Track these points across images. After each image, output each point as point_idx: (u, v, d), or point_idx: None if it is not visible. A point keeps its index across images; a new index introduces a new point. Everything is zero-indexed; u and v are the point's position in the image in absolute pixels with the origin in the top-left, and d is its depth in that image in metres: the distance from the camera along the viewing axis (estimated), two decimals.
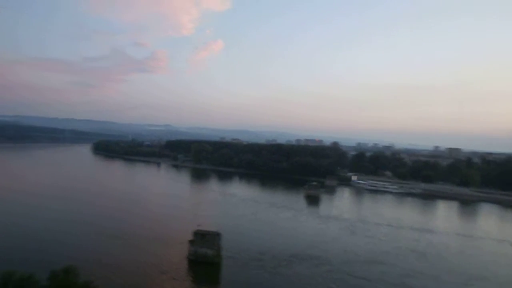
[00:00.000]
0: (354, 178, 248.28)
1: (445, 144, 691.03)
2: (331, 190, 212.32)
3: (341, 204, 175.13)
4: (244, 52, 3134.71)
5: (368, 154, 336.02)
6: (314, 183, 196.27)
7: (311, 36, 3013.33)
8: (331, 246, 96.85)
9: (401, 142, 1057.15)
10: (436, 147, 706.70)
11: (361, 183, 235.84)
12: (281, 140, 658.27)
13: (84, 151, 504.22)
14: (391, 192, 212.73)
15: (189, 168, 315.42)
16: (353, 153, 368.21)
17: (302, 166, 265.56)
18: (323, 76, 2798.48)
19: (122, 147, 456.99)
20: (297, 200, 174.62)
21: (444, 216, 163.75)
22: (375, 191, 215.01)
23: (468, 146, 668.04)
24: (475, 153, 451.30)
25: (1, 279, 47.04)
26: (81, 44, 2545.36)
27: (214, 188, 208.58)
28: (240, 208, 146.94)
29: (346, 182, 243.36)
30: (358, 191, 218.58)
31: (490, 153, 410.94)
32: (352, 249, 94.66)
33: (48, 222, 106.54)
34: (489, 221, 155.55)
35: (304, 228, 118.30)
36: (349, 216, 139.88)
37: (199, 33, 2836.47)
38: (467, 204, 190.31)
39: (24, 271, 48.95)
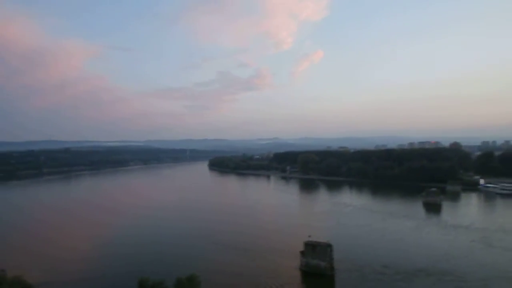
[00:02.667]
0: (481, 181, 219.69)
1: None
2: (453, 197, 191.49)
3: (469, 211, 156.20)
4: (345, 58, 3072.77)
5: (497, 153, 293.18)
6: (433, 189, 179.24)
7: (414, 35, 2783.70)
8: (463, 260, 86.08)
9: None
10: None
11: (490, 187, 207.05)
12: (392, 145, 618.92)
13: (202, 167, 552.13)
14: None
15: (297, 179, 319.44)
16: (478, 153, 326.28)
17: (417, 172, 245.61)
18: (434, 73, 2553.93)
19: (234, 162, 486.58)
20: (415, 208, 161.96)
21: None
22: (509, 196, 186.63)
23: None
24: None
25: (138, 284, 55.47)
26: (192, 71, 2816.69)
27: (323, 198, 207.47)
28: (353, 218, 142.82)
29: (471, 186, 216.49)
30: (488, 196, 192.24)
31: None
32: (491, 264, 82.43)
33: (173, 235, 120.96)
34: None
35: (427, 239, 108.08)
36: (480, 226, 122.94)
37: (299, 46, 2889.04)
38: None
39: (156, 278, 56.44)
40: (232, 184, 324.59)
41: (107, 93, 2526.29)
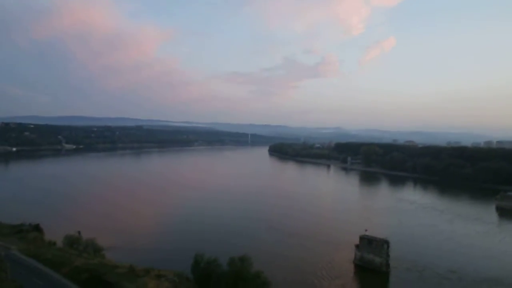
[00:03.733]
0: None
1: None
2: None
3: None
4: (419, 46, 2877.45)
5: None
6: (510, 193, 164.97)
7: (495, 22, 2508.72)
8: None
9: None
10: None
11: None
12: (466, 142, 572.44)
13: (262, 152, 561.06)
14: None
15: (358, 171, 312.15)
16: None
17: (493, 173, 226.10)
18: None
19: (294, 149, 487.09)
20: (487, 212, 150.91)
21: None
22: None
23: None
24: None
25: (194, 259, 59.52)
26: (259, 56, 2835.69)
27: (384, 193, 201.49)
28: (416, 217, 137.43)
29: None
30: None
31: None
32: None
33: (231, 216, 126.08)
34: None
35: (499, 247, 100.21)
36: None
37: (369, 32, 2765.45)
38: None
39: (211, 255, 59.65)
40: (290, 171, 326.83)
41: (177, 76, 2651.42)
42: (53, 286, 48.47)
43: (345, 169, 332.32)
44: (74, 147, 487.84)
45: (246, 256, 58.18)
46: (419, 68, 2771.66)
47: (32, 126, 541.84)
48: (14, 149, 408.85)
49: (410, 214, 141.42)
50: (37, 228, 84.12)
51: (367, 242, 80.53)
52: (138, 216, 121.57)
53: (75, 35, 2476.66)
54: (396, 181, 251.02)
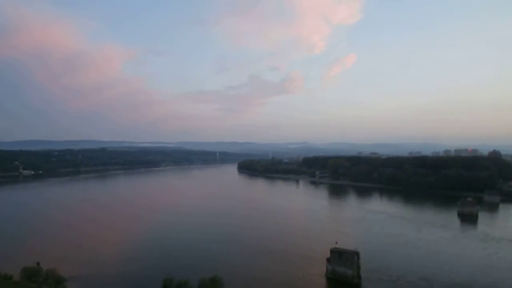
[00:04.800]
0: None
1: None
2: (491, 207, 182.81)
3: (509, 224, 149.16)
4: (379, 63, 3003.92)
5: None
6: (469, 199, 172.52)
7: (449, 40, 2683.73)
8: (507, 275, 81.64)
9: None
10: None
11: None
12: (426, 152, 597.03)
13: (231, 170, 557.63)
14: None
15: (327, 184, 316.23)
16: None
17: (453, 180, 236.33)
18: (472, 77, 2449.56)
19: (263, 165, 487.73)
20: (450, 218, 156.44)
21: None
22: None
23: None
24: None
25: (163, 282, 57.24)
26: (224, 75, 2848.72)
27: (353, 204, 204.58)
28: (384, 226, 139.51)
29: (511, 197, 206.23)
30: None
31: None
32: None
33: (199, 237, 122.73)
34: None
35: (466, 252, 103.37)
36: None
37: (331, 50, 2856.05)
38: None
39: (181, 277, 57.68)
40: (260, 188, 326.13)
41: (142, 95, 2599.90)
42: None
43: (314, 183, 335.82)
44: (33, 172, 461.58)
45: (217, 276, 57.04)
46: (379, 82, 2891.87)
47: None
48: None
49: (378, 224, 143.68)
50: None
51: (338, 255, 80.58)
52: (103, 243, 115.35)
53: (34, 55, 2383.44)
54: (364, 192, 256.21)
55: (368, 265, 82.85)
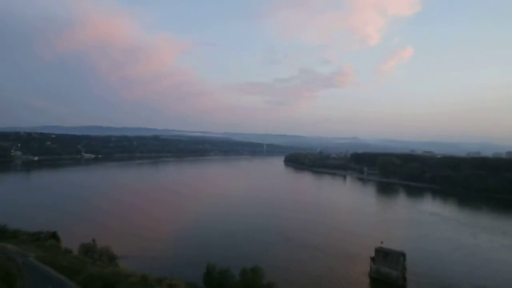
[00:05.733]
0: None
1: None
2: None
3: None
4: (437, 56, 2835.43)
5: None
6: None
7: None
8: None
9: None
10: None
11: None
12: (486, 153, 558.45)
13: (278, 162, 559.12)
14: None
15: (375, 182, 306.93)
16: None
17: None
18: None
19: (310, 159, 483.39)
20: (509, 225, 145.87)
21: None
22: None
23: None
24: None
25: (206, 268, 59.13)
26: (274, 67, 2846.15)
27: (402, 204, 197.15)
28: (436, 229, 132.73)
29: None
30: None
31: None
32: None
33: (245, 228, 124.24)
34: None
35: None
36: None
37: (386, 42, 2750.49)
38: None
39: (223, 265, 59.27)
40: (306, 182, 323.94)
41: (193, 86, 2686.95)
42: None
43: (361, 180, 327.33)
44: (93, 156, 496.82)
45: (258, 267, 57.71)
46: (436, 78, 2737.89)
47: (53, 136, 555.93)
48: (35, 158, 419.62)
49: (430, 227, 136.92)
50: (54, 235, 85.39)
51: (383, 255, 78.57)
52: (153, 224, 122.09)
53: (96, 47, 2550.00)
54: (415, 192, 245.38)
55: (416, 269, 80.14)
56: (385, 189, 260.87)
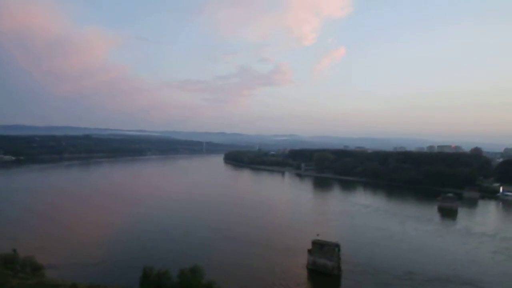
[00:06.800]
0: (501, 189, 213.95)
1: None
2: (470, 203, 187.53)
3: (486, 219, 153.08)
4: (368, 57, 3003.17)
5: None
6: (450, 194, 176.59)
7: (439, 33, 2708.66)
8: (487, 269, 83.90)
9: None
10: None
11: (510, 195, 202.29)
12: (411, 147, 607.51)
13: (217, 160, 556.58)
14: None
15: (312, 177, 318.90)
16: (500, 160, 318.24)
17: (435, 176, 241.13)
18: (457, 73, 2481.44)
19: (249, 156, 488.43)
20: (430, 213, 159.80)
21: None
22: None
23: None
24: None
25: (143, 272, 56.81)
26: (213, 65, 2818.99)
27: (337, 197, 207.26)
28: (367, 220, 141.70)
29: (490, 194, 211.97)
30: (507, 204, 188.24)
31: None
32: None
33: (182, 226, 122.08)
34: None
35: (444, 246, 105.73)
36: (501, 235, 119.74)
37: (321, 42, 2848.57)
38: None
39: (161, 267, 57.34)
40: (245, 179, 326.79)
41: (128, 83, 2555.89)
42: None
43: (299, 176, 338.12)
44: (14, 158, 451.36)
45: (197, 266, 56.27)
46: (367, 76, 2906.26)
47: None
48: None
49: (362, 218, 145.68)
50: None
51: (319, 247, 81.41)
52: (82, 231, 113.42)
53: (15, 38, 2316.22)
54: (348, 185, 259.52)
55: (351, 258, 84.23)
56: (321, 184, 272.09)
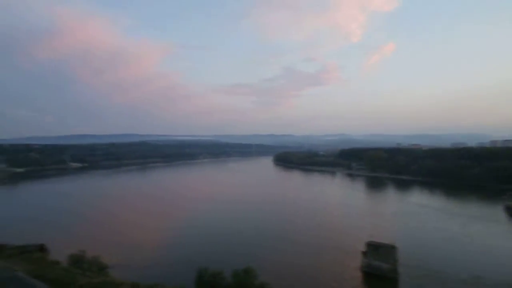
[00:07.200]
0: None
1: None
2: None
3: None
4: (419, 50, 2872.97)
5: None
6: None
7: (496, 22, 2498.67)
8: None
9: None
10: None
11: None
12: (471, 143, 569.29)
13: (267, 162, 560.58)
14: None
15: (363, 177, 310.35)
16: None
17: (499, 173, 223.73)
18: None
19: (299, 157, 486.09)
20: (496, 213, 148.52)
21: None
22: None
23: None
24: None
25: (198, 272, 59.29)
26: (259, 67, 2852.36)
27: (391, 197, 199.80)
28: (425, 220, 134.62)
29: None
30: None
31: None
32: None
33: (235, 227, 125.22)
34: None
35: None
36: None
37: (369, 38, 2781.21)
38: None
39: (215, 268, 59.53)
40: (295, 180, 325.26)
41: (179, 89, 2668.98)
42: None
43: (350, 175, 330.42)
44: (80, 165, 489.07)
45: (250, 267, 57.77)
46: (420, 70, 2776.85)
47: (37, 146, 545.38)
48: (21, 170, 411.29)
49: (419, 218, 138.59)
50: (42, 248, 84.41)
51: (374, 248, 79.37)
52: (143, 231, 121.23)
53: (76, 55, 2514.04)
54: (402, 185, 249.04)
55: (409, 261, 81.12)
56: (374, 183, 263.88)
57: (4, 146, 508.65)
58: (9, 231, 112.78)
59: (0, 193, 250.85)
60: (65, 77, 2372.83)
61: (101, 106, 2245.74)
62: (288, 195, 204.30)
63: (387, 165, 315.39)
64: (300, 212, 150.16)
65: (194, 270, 60.67)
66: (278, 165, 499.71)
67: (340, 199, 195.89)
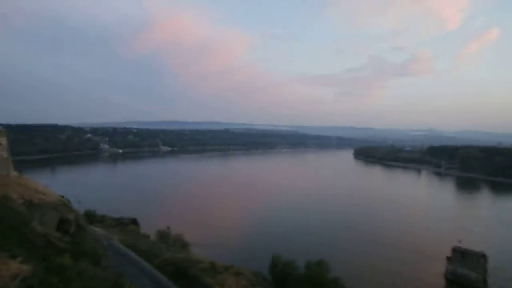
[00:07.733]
0: None
1: None
2: None
3: None
4: None
5: None
6: None
7: None
8: None
9: None
10: None
11: None
12: None
13: (346, 155, 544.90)
14: None
15: (454, 177, 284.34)
16: None
17: None
18: None
19: (381, 152, 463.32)
20: None
21: None
22: None
23: None
24: None
25: (272, 259, 60.90)
26: (342, 57, 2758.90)
27: (485, 201, 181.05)
28: None
29: None
30: None
31: None
32: None
33: (312, 221, 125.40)
34: None
35: None
36: None
37: (468, 24, 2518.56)
38: None
39: (288, 257, 60.72)
40: (377, 176, 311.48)
41: (261, 79, 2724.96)
42: (145, 275, 54.04)
43: (438, 175, 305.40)
44: (170, 149, 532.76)
45: (323, 261, 57.96)
46: None
47: (135, 130, 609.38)
48: (120, 150, 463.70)
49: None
50: (134, 222, 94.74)
51: (461, 255, 73.79)
52: (223, 214, 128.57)
53: (167, 47, 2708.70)
54: (500, 188, 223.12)
55: (501, 272, 74.29)
56: (465, 185, 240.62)
57: (107, 129, 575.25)
58: (108, 205, 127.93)
59: (104, 170, 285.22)
60: (158, 68, 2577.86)
61: (188, 95, 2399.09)
62: (369, 192, 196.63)
63: (482, 165, 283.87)
64: (381, 212, 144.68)
65: (268, 257, 62.57)
66: (359, 159, 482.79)
67: (426, 199, 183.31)
